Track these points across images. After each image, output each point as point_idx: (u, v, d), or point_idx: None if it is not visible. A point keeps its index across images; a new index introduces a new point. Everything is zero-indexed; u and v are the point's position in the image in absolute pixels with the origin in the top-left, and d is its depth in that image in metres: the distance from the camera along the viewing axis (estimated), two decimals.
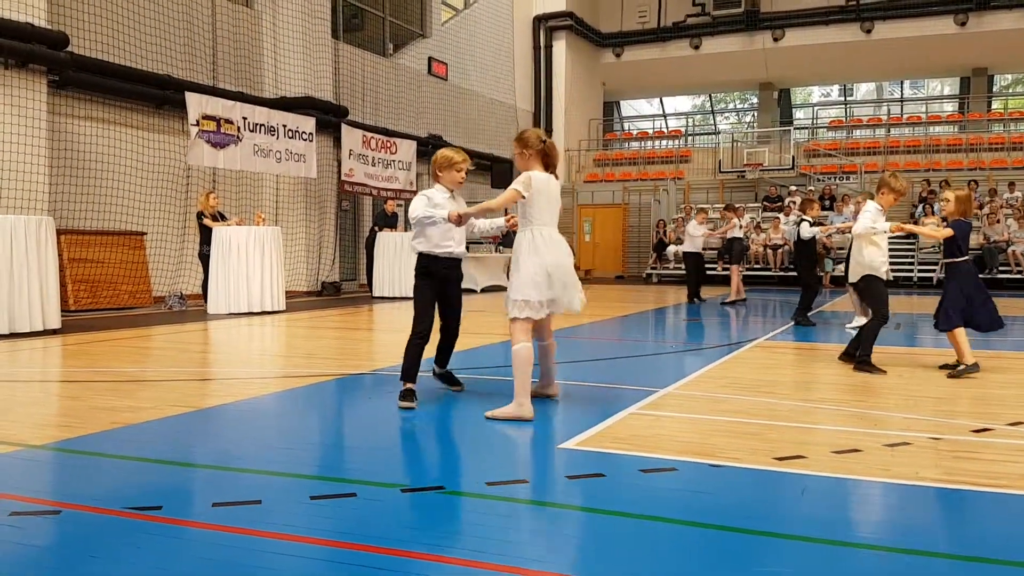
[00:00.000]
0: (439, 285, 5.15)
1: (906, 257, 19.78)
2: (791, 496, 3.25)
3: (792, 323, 10.14)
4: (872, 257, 6.47)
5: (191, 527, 2.84)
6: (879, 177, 6.93)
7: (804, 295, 10.23)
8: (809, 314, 10.19)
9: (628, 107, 34.19)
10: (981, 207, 19.52)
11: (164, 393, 5.44)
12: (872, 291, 6.56)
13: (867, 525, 2.93)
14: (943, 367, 6.47)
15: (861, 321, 9.31)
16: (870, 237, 6.45)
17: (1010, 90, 31.73)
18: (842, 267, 10.83)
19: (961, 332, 6.28)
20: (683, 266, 15.65)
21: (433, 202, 4.93)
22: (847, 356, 6.80)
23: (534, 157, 4.76)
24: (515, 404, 4.60)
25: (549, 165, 4.81)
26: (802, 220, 10.22)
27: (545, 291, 4.64)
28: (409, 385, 5.00)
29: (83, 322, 10.24)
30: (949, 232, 6.34)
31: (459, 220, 4.79)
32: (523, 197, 4.64)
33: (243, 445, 4.11)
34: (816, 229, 10.00)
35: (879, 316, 6.48)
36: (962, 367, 6.22)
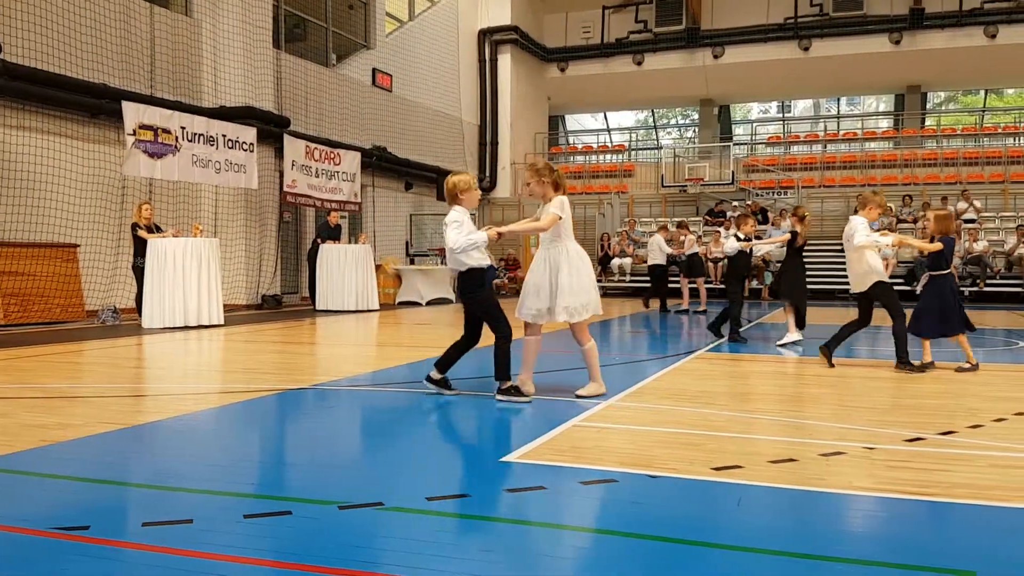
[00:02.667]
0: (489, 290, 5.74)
1: (842, 269, 20.19)
2: (728, 506, 3.28)
3: (719, 338, 10.07)
4: (877, 265, 7.16)
5: (120, 547, 2.76)
6: (861, 194, 7.63)
7: (728, 309, 10.07)
8: (741, 329, 10.11)
9: (573, 121, 34.47)
10: (915, 221, 20.10)
11: (96, 410, 5.29)
12: (885, 295, 7.21)
13: (801, 535, 2.97)
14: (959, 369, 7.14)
15: (793, 337, 9.40)
16: (871, 248, 7.11)
17: (942, 107, 32.80)
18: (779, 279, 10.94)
19: (963, 337, 7.16)
20: (649, 277, 16.30)
21: (464, 225, 5.48)
22: (826, 348, 7.40)
23: (550, 184, 5.58)
24: (596, 384, 5.71)
25: (561, 189, 5.63)
26: (732, 236, 10.32)
27: (596, 293, 5.62)
28: (512, 383, 5.51)
29: (13, 337, 9.92)
30: (939, 246, 7.06)
31: (499, 238, 5.55)
32: (562, 218, 5.52)
33: (176, 463, 4.00)
34: (739, 245, 9.99)
35: (901, 315, 7.12)
36: (968, 366, 7.09)
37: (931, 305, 7.10)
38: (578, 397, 5.58)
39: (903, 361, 7.07)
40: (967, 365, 7.12)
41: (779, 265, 11.15)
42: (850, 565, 2.63)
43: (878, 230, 8.74)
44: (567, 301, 5.47)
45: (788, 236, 9.56)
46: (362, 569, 2.56)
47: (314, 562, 2.61)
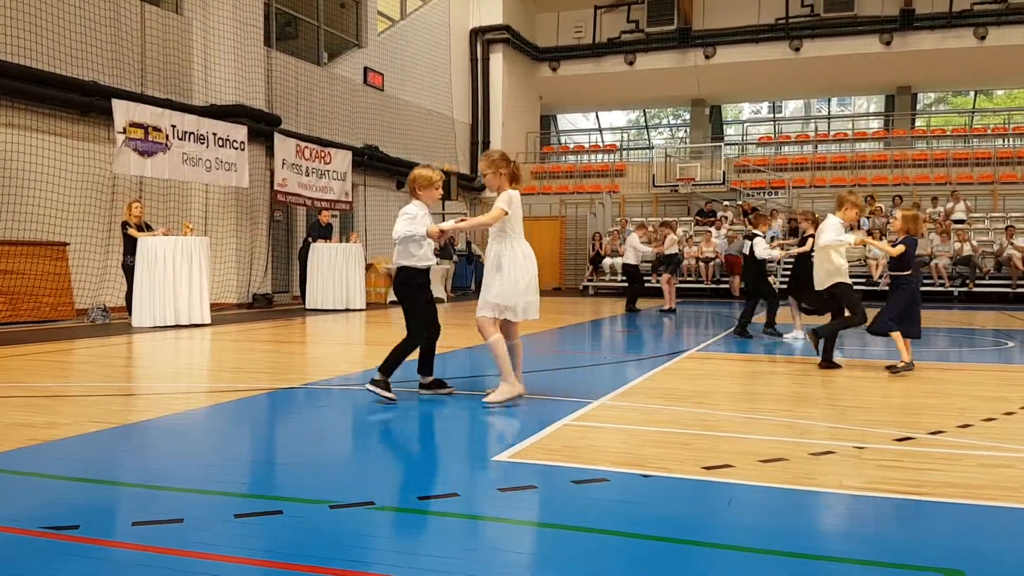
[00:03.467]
0: (424, 291, 5.61)
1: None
2: (718, 505, 3.29)
3: (736, 334, 10.12)
4: (840, 265, 7.17)
5: (110, 547, 2.75)
6: (838, 194, 7.59)
7: (768, 307, 10.29)
8: (748, 326, 10.23)
9: (565, 121, 34.48)
10: (851, 224, 20.15)
11: (85, 409, 5.26)
12: (846, 294, 7.24)
13: (792, 534, 2.98)
14: (888, 368, 7.03)
15: (798, 333, 9.55)
16: (836, 248, 7.13)
17: (933, 108, 32.94)
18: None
19: (898, 335, 6.97)
20: (624, 277, 16.26)
21: (417, 219, 5.35)
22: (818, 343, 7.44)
23: (506, 176, 5.33)
24: (507, 385, 5.28)
25: (517, 182, 5.40)
26: (755, 236, 10.26)
27: (523, 298, 5.26)
28: (387, 378, 5.42)
29: (2, 335, 9.86)
30: (901, 248, 6.96)
31: (440, 235, 5.31)
32: (507, 214, 5.22)
33: (166, 462, 3.99)
34: (775, 252, 10.16)
35: (862, 315, 7.13)
36: (902, 364, 6.92)
37: (893, 307, 7.05)
38: (485, 405, 5.28)
39: (826, 360, 7.20)
40: (900, 364, 6.97)
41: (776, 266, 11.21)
42: (840, 564, 2.64)
43: (869, 231, 8.83)
44: (494, 298, 5.26)
45: (811, 243, 9.54)
46: (353, 568, 2.56)
47: (305, 561, 2.60)
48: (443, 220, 5.76)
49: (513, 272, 5.25)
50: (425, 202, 5.51)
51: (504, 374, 5.29)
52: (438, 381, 5.80)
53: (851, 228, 8.45)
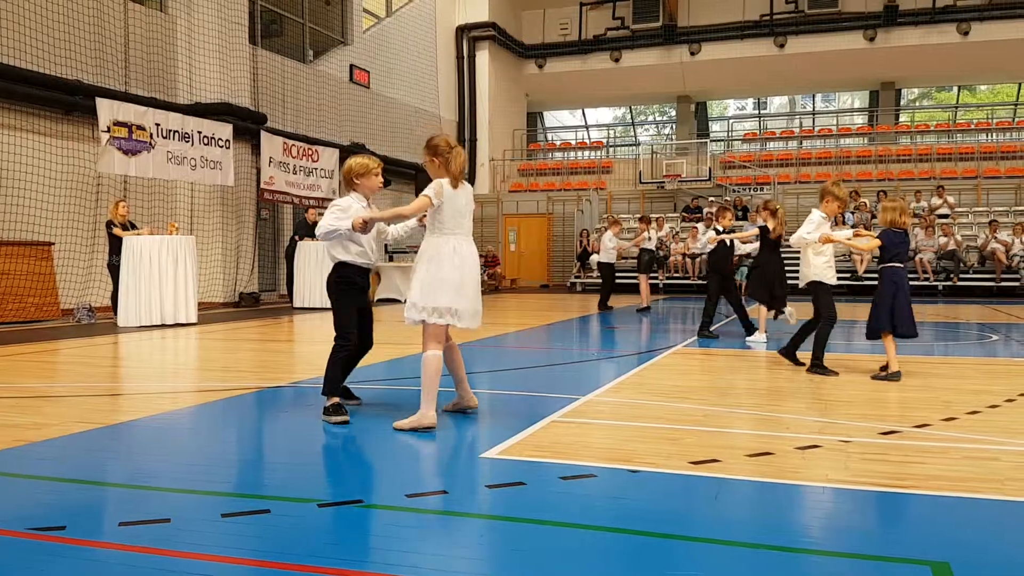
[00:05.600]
0: (360, 295, 5.11)
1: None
2: (706, 500, 3.30)
3: (701, 335, 9.92)
4: (817, 264, 6.80)
5: (97, 547, 2.73)
6: (822, 187, 7.14)
7: (707, 308, 10.01)
8: (713, 327, 9.91)
9: (551, 118, 34.50)
10: (833, 217, 20.23)
11: (71, 409, 5.23)
12: (819, 296, 6.87)
13: (778, 527, 3.00)
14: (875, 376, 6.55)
15: (761, 337, 9.37)
16: (815, 246, 6.75)
17: (916, 103, 33.13)
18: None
19: (889, 341, 6.46)
20: (600, 275, 15.86)
21: (349, 212, 4.82)
22: (785, 353, 7.24)
23: (443, 165, 4.63)
24: (419, 414, 4.56)
25: (449, 173, 4.63)
26: (712, 230, 10.09)
27: (460, 300, 4.58)
28: (336, 400, 4.89)
29: None
30: (877, 243, 6.52)
31: (364, 226, 4.71)
32: (433, 204, 4.55)
33: (153, 462, 3.97)
34: (711, 237, 9.77)
35: (828, 319, 6.79)
36: (884, 374, 6.43)
37: (881, 302, 6.50)
38: (395, 429, 4.58)
39: (816, 365, 6.74)
40: (883, 374, 6.49)
41: (750, 261, 11.07)
42: (827, 557, 2.66)
43: (854, 225, 8.68)
44: (414, 298, 4.62)
45: (756, 231, 9.40)
46: (341, 567, 2.55)
47: (293, 560, 2.60)
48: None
49: (451, 267, 4.56)
50: (363, 193, 5.02)
51: (425, 398, 4.57)
52: (347, 389, 5.31)
53: (835, 222, 8.22)
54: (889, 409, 5.28)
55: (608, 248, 14.32)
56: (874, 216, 20.51)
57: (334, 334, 5.03)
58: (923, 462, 3.85)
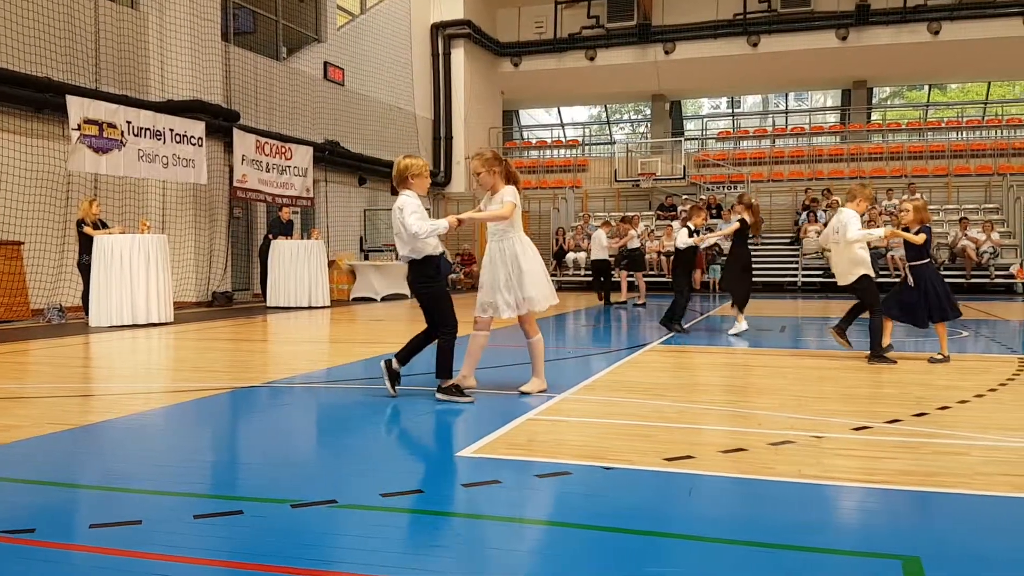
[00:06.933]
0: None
1: (791, 262, 20.63)
2: (680, 496, 3.32)
3: (679, 331, 10.12)
4: (864, 258, 7.33)
5: (67, 550, 2.70)
6: (850, 188, 7.78)
7: (675, 302, 10.08)
8: (687, 324, 10.10)
9: (527, 116, 34.50)
10: (862, 215, 20.50)
11: (41, 410, 5.16)
12: (868, 288, 7.36)
13: (752, 523, 3.02)
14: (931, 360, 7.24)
15: (741, 327, 9.52)
16: (861, 242, 7.29)
17: (888, 102, 33.49)
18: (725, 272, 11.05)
19: (942, 328, 7.25)
20: (591, 272, 16.70)
21: (422, 212, 5.25)
22: (838, 331, 7.63)
23: (500, 174, 5.42)
24: (539, 381, 5.61)
25: (513, 180, 5.50)
26: (684, 228, 10.24)
27: (548, 287, 5.55)
28: (454, 381, 5.36)
29: None
30: (923, 237, 7.12)
31: (459, 225, 5.32)
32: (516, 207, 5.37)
33: (124, 463, 3.93)
34: (691, 240, 9.96)
35: (879, 309, 7.28)
36: (940, 357, 7.19)
37: (919, 295, 7.13)
38: (521, 394, 5.50)
39: (876, 355, 7.19)
40: (939, 356, 7.22)
41: (724, 259, 11.22)
42: (800, 552, 2.68)
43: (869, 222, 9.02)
44: (529, 292, 5.40)
45: (737, 225, 9.52)
46: (315, 567, 2.54)
47: (266, 561, 2.58)
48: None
49: (538, 261, 5.52)
50: (418, 192, 5.39)
51: (540, 371, 5.64)
52: (398, 375, 5.53)
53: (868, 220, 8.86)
54: (861, 405, 5.33)
55: (602, 246, 15.19)
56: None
57: (439, 326, 5.39)
58: (894, 457, 3.90)
